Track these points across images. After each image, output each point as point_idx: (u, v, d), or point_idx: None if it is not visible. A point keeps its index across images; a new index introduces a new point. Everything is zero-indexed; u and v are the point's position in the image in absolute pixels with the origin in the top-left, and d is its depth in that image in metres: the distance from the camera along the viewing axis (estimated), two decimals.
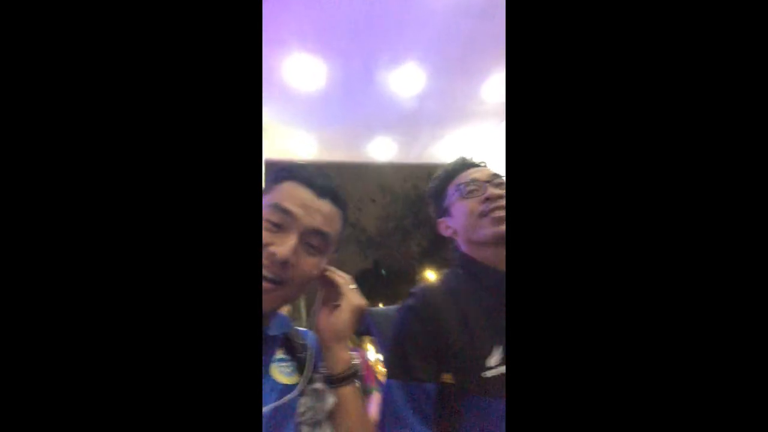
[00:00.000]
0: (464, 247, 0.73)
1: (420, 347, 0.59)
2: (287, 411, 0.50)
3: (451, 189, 0.76)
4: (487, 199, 0.68)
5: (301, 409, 0.52)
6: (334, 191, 0.51)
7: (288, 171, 0.51)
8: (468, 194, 0.71)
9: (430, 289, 0.67)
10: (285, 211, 0.47)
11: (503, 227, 0.65)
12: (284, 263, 0.45)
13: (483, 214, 0.68)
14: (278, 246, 0.45)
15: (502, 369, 0.56)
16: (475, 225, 0.69)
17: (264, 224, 0.47)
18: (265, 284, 0.46)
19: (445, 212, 0.78)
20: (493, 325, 0.59)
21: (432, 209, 0.83)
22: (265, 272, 0.45)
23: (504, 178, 0.70)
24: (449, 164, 0.80)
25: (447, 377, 0.57)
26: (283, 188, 0.50)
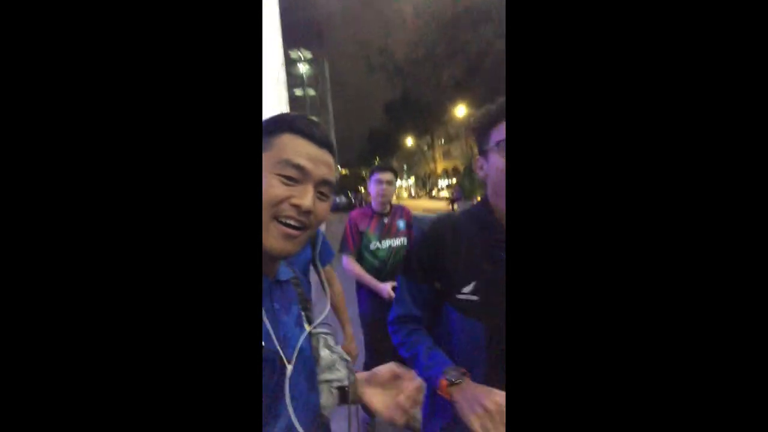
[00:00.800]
0: (489, 192, 0.76)
1: (422, 261, 0.77)
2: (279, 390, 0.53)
3: (493, 134, 0.73)
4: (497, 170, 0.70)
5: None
6: (329, 140, 0.54)
7: (281, 123, 0.52)
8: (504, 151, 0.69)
9: (441, 222, 0.80)
10: (298, 167, 0.50)
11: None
12: (307, 212, 0.50)
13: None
14: (299, 198, 0.50)
15: (473, 297, 0.71)
16: (502, 184, 0.69)
17: (279, 179, 0.49)
18: (292, 231, 0.50)
19: (484, 153, 0.76)
20: (478, 265, 0.72)
21: (472, 139, 0.84)
22: (291, 221, 0.50)
23: None
24: (495, 106, 0.74)
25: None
26: (284, 142, 0.51)
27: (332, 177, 0.55)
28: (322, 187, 0.53)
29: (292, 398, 0.52)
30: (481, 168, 0.77)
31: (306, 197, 0.50)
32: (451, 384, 0.66)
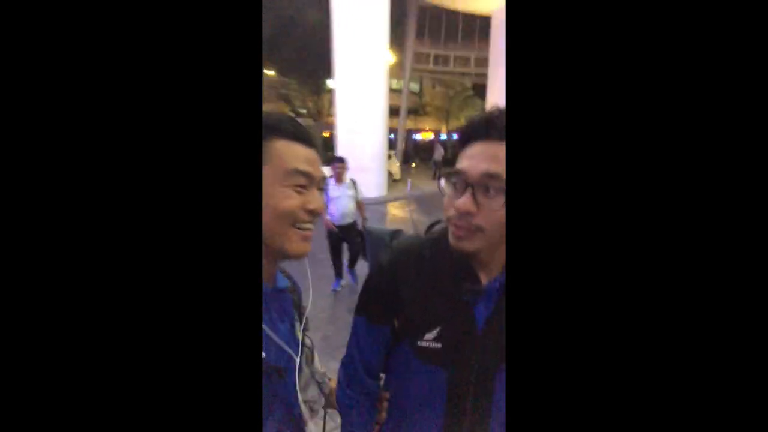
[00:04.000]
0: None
1: (383, 298, 0.64)
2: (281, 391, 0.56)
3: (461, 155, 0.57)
4: (455, 209, 0.53)
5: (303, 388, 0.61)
6: (313, 139, 0.56)
7: (268, 129, 0.52)
8: (452, 183, 0.56)
9: (405, 253, 0.64)
10: (305, 174, 0.52)
11: (462, 245, 0.55)
12: (319, 212, 0.55)
13: (448, 221, 0.57)
14: (312, 203, 0.53)
15: (436, 345, 0.60)
16: (446, 217, 0.57)
17: (291, 189, 0.52)
18: (309, 233, 0.54)
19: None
20: (443, 308, 0.60)
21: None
22: (307, 225, 0.54)
23: (499, 183, 0.51)
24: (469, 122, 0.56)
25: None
26: (281, 150, 0.52)
27: (324, 174, 0.58)
28: (321, 184, 0.58)
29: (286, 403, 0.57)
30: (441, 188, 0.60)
31: (317, 201, 0.54)
32: None
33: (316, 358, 0.71)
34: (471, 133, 0.54)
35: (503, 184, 0.50)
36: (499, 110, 0.53)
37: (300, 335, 0.62)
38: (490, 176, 0.50)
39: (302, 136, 0.54)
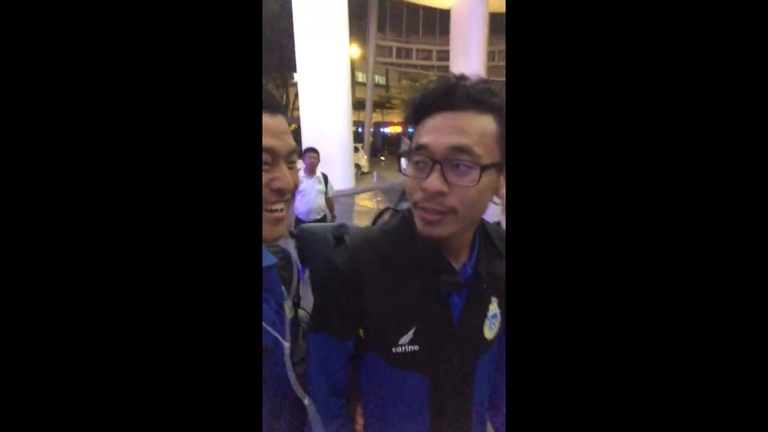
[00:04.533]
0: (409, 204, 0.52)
1: (342, 308, 0.53)
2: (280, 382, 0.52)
3: (414, 130, 0.51)
4: (423, 190, 0.47)
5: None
6: (278, 102, 0.49)
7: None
8: (414, 163, 0.49)
9: (359, 251, 0.54)
10: (267, 150, 0.45)
11: (433, 231, 0.48)
12: (289, 191, 0.48)
13: (415, 205, 0.50)
14: (278, 181, 0.46)
15: (413, 347, 0.52)
16: (412, 201, 0.50)
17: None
18: (280, 213, 0.48)
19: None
20: (416, 305, 0.52)
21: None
22: (277, 206, 0.47)
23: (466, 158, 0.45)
24: (430, 89, 0.49)
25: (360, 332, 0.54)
26: None
27: (293, 143, 0.50)
28: (290, 157, 0.49)
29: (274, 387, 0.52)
30: (403, 169, 0.52)
31: (284, 178, 0.47)
32: None
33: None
34: (429, 104, 0.47)
35: (474, 158, 0.45)
36: (455, 77, 0.48)
37: (289, 313, 0.57)
38: (459, 149, 0.45)
39: (265, 102, 0.46)
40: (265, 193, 0.47)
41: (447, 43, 11.19)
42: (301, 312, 0.63)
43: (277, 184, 0.47)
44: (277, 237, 0.50)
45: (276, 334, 0.53)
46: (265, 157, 0.46)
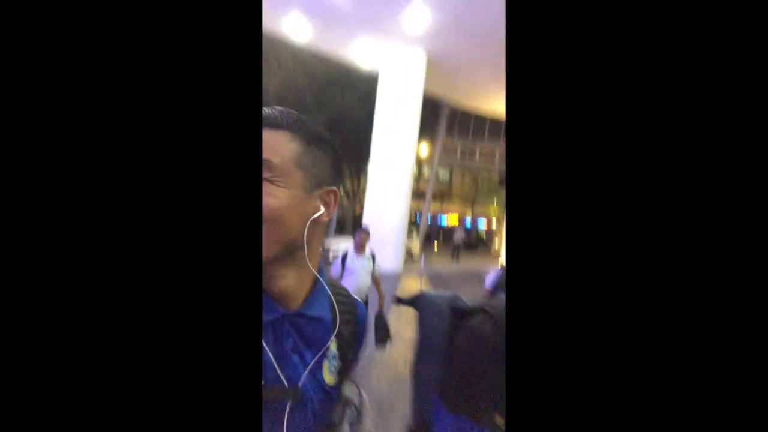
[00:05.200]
0: None
1: (469, 382, 0.50)
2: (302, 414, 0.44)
3: None
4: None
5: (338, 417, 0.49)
6: (281, 116, 0.44)
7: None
8: None
9: (479, 337, 0.53)
10: (264, 163, 0.40)
11: None
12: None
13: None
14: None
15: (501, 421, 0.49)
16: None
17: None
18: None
19: None
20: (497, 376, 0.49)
21: None
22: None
23: None
24: None
25: (499, 420, 0.49)
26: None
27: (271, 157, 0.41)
28: (276, 174, 0.41)
29: None
30: None
31: (265, 199, 0.40)
32: None
33: (368, 418, 0.55)
34: None
35: None
36: None
37: (329, 378, 0.48)
38: None
39: (266, 121, 0.42)
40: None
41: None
42: (350, 390, 0.52)
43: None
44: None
45: (287, 387, 0.43)
46: (265, 172, 0.41)
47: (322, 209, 0.46)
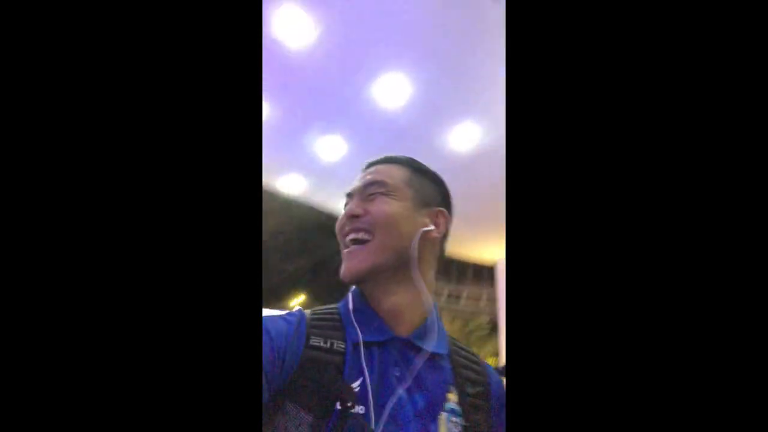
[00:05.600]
0: None
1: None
2: None
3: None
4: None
5: None
6: (391, 158, 0.57)
7: None
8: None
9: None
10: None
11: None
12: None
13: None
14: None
15: None
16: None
17: None
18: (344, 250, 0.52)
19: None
20: None
21: None
22: (347, 237, 0.50)
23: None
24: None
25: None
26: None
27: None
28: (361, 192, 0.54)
29: None
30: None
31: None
32: None
33: None
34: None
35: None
36: None
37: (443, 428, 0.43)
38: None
39: (385, 159, 0.57)
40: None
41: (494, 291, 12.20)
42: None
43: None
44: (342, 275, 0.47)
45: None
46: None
47: (432, 226, 0.52)
